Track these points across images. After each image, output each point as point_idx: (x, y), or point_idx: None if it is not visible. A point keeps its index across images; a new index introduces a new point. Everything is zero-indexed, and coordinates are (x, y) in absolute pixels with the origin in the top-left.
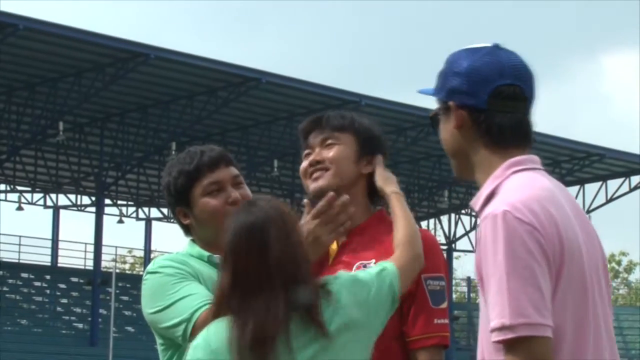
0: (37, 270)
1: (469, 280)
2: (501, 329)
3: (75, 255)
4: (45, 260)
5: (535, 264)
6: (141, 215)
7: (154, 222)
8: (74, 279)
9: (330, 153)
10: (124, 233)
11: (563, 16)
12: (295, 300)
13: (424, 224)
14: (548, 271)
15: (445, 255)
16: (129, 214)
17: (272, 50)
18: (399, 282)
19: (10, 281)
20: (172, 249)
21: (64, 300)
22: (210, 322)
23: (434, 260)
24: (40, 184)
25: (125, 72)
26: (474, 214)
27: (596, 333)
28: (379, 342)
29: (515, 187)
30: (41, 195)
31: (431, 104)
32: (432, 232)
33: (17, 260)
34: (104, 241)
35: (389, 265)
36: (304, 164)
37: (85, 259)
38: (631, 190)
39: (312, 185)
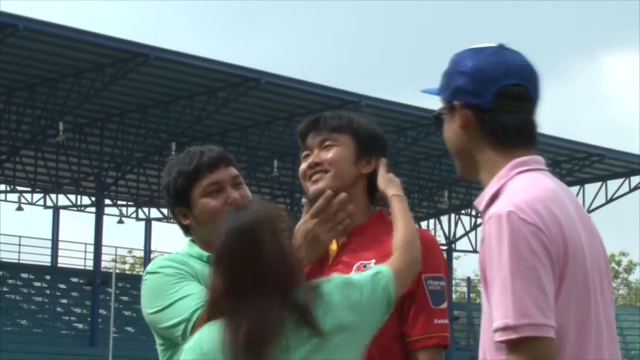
0: (37, 270)
1: (468, 280)
2: (505, 329)
3: (75, 255)
4: (45, 260)
5: (540, 264)
6: (141, 215)
7: (153, 223)
8: (74, 279)
9: (328, 155)
10: (123, 233)
11: (563, 16)
12: (288, 302)
13: (423, 224)
14: (552, 272)
15: (445, 255)
16: (128, 214)
17: (272, 51)
18: (394, 285)
19: (10, 281)
20: (172, 249)
21: (64, 301)
22: (204, 324)
23: (434, 260)
24: (40, 184)
25: (125, 73)
26: (473, 214)
27: (598, 333)
28: (379, 342)
29: (520, 187)
30: (41, 195)
31: (431, 104)
32: (432, 232)
33: (17, 261)
34: (104, 241)
35: (385, 268)
36: (303, 165)
37: (85, 259)
38: (631, 190)
39: (311, 188)
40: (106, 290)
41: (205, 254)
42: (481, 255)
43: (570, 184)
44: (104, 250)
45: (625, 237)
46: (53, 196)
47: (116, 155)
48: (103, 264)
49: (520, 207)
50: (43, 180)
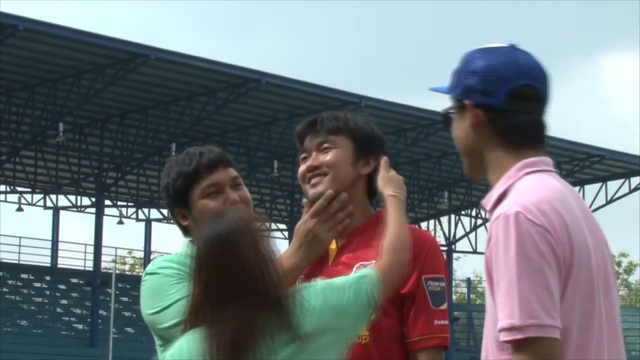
0: (37, 271)
1: (468, 281)
2: (510, 329)
3: (75, 256)
4: (45, 261)
5: (546, 265)
6: (141, 216)
7: (153, 223)
8: (74, 280)
9: (326, 157)
10: (123, 234)
11: (562, 17)
12: (268, 308)
13: (423, 225)
14: (558, 273)
15: (445, 256)
16: (128, 215)
17: (272, 52)
18: (378, 288)
19: (10, 282)
20: (172, 250)
21: (64, 301)
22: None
23: (434, 261)
24: (40, 184)
25: (125, 73)
26: (473, 215)
27: (599, 335)
28: (379, 343)
29: (527, 188)
30: (41, 196)
31: (431, 104)
32: (432, 233)
33: (17, 261)
34: (104, 242)
35: (370, 272)
36: (302, 168)
37: (85, 259)
38: (631, 191)
39: (311, 191)
40: (106, 291)
41: None
42: (487, 255)
43: (570, 184)
44: (104, 251)
45: (625, 238)
46: (53, 197)
47: (116, 155)
48: (103, 265)
49: (528, 208)
50: (43, 181)
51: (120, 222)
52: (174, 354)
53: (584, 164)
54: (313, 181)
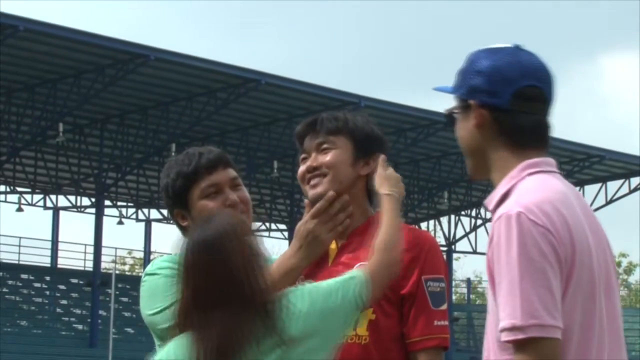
0: (36, 271)
1: (468, 281)
2: (512, 329)
3: (75, 256)
4: (45, 261)
5: (548, 265)
6: (141, 216)
7: (153, 224)
8: (74, 280)
9: (326, 158)
10: (123, 234)
11: (562, 17)
12: (254, 313)
13: (423, 225)
14: (559, 273)
15: (445, 256)
16: (128, 215)
17: (272, 52)
18: (367, 289)
19: (10, 282)
20: (172, 251)
21: (64, 302)
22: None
23: (434, 261)
24: (40, 185)
25: (125, 74)
26: (473, 215)
27: (600, 335)
28: (379, 343)
29: (530, 189)
30: (41, 196)
31: (431, 105)
32: (432, 233)
33: (17, 262)
34: (104, 242)
35: (359, 273)
36: (302, 168)
37: (85, 260)
38: (631, 191)
39: (311, 192)
40: (106, 291)
41: None
42: (489, 255)
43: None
44: (103, 251)
45: (625, 238)
46: (53, 197)
47: (116, 156)
48: (103, 265)
49: (530, 209)
50: (43, 181)
51: (120, 223)
52: (161, 359)
53: (583, 165)
54: (313, 182)
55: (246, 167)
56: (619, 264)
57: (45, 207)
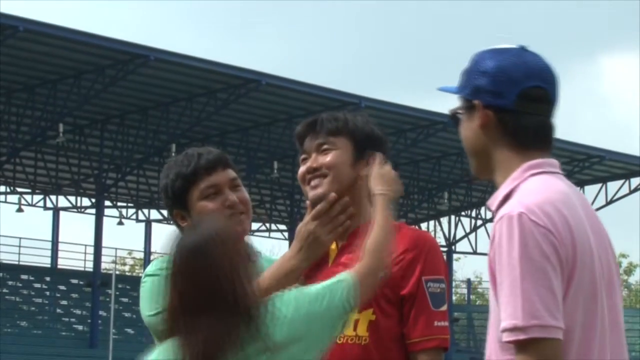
0: (37, 272)
1: (468, 282)
2: (513, 329)
3: (75, 257)
4: (45, 262)
5: (549, 266)
6: (141, 217)
7: (153, 224)
8: (74, 281)
9: (326, 159)
10: (123, 235)
11: (562, 17)
12: (239, 319)
13: (423, 225)
14: (560, 274)
15: (445, 257)
16: (128, 215)
17: (272, 52)
18: (355, 293)
19: (10, 283)
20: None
21: (64, 302)
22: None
23: (434, 262)
24: (40, 185)
25: (125, 74)
26: (473, 215)
27: (602, 335)
28: (379, 344)
29: (532, 189)
30: (41, 197)
31: (431, 105)
32: (432, 234)
33: (17, 262)
34: (104, 243)
35: (346, 276)
36: (302, 169)
37: (85, 260)
38: (631, 192)
39: (311, 193)
40: (106, 292)
41: None
42: (490, 255)
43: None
44: (103, 251)
45: (625, 238)
46: (53, 197)
47: (116, 156)
48: (103, 266)
49: (531, 209)
50: (43, 181)
51: (120, 223)
52: None
53: (583, 165)
54: (313, 183)
55: (246, 167)
56: (619, 265)
57: (45, 208)
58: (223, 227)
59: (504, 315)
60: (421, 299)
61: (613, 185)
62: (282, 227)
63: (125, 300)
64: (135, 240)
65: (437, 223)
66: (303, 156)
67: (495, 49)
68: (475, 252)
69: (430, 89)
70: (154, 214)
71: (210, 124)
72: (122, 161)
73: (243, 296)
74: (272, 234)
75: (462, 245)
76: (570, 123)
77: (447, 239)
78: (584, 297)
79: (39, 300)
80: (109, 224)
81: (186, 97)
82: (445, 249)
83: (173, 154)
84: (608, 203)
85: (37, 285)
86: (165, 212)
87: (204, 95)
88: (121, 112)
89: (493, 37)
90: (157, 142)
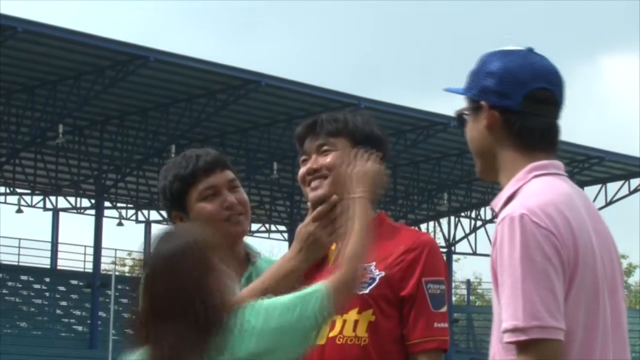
0: (36, 272)
1: (468, 283)
2: (514, 330)
3: (74, 257)
4: (45, 262)
5: (551, 267)
6: (141, 217)
7: (153, 225)
8: (74, 282)
9: (326, 160)
10: (123, 236)
11: (562, 17)
12: (205, 330)
13: (423, 226)
14: (562, 275)
15: (445, 258)
16: (128, 216)
17: (272, 53)
18: (328, 304)
19: (9, 284)
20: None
21: (64, 303)
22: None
23: (434, 263)
24: (39, 186)
25: (124, 75)
26: (473, 216)
27: (604, 335)
28: (379, 345)
29: (535, 191)
30: (41, 197)
31: (431, 106)
32: (432, 234)
33: (16, 263)
34: (104, 244)
35: (320, 287)
36: (302, 170)
37: (84, 261)
38: (631, 193)
39: (311, 195)
40: (106, 293)
41: None
42: (492, 256)
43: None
44: (103, 252)
45: (625, 239)
46: (53, 198)
47: (116, 157)
48: (102, 266)
49: (533, 211)
50: (43, 182)
51: (120, 224)
52: None
53: (583, 166)
54: (313, 184)
55: (246, 168)
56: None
57: (45, 209)
58: (198, 237)
59: (505, 316)
60: (421, 300)
61: (613, 186)
62: (282, 228)
63: (125, 301)
64: (135, 241)
65: (436, 224)
66: (303, 157)
67: (502, 51)
68: (474, 253)
69: (430, 89)
70: (154, 215)
71: (210, 125)
72: (122, 162)
73: (210, 307)
74: (272, 235)
75: (461, 246)
76: (570, 124)
77: (446, 240)
78: (586, 298)
79: (39, 301)
80: (108, 224)
81: (186, 98)
82: (444, 250)
83: (173, 155)
84: (608, 204)
85: (37, 286)
86: (165, 213)
87: (204, 96)
88: (121, 113)
89: (493, 37)
90: (157, 143)
